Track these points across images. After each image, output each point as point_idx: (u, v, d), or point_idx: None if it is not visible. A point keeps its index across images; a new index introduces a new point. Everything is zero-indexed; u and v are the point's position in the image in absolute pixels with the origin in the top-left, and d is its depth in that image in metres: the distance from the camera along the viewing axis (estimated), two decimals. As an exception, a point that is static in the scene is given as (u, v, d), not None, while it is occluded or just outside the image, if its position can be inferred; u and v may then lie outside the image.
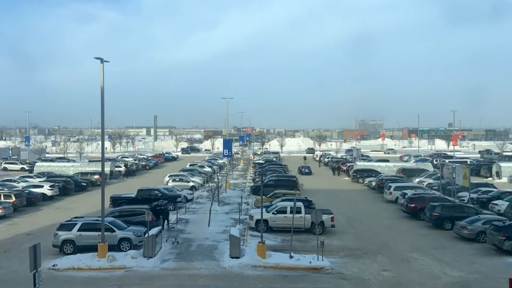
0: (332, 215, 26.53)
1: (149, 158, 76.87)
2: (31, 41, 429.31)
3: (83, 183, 44.23)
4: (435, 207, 27.91)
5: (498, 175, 52.04)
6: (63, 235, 22.08)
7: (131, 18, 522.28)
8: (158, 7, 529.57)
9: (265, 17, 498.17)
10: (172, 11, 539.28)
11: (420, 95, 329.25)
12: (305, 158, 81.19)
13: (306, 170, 60.13)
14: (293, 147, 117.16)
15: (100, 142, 32.56)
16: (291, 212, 24.66)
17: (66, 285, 17.89)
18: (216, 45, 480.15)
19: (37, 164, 58.20)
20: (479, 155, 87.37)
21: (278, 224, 26.14)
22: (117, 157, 77.32)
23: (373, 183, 44.54)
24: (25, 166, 63.62)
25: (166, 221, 26.87)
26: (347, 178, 55.05)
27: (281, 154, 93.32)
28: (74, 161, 66.87)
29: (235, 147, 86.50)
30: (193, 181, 44.39)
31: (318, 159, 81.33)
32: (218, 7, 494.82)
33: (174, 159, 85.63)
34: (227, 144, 55.85)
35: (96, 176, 47.13)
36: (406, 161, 73.77)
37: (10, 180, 42.46)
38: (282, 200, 29.10)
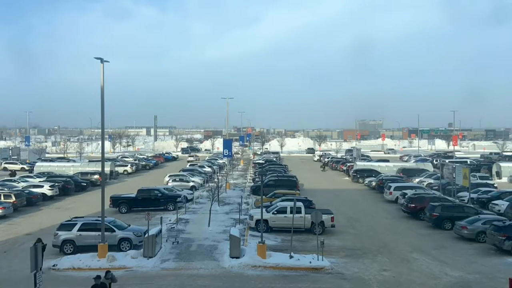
0: (332, 215, 26.54)
1: (149, 158, 76.90)
2: (41, 40, 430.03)
3: (83, 183, 44.22)
4: (435, 207, 27.91)
5: (498, 175, 52.03)
6: (63, 235, 22.10)
7: (168, 15, 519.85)
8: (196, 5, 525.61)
9: (270, 24, 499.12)
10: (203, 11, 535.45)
11: (420, 95, 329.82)
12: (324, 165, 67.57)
13: None
14: (293, 147, 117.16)
15: (100, 142, 32.55)
16: (291, 212, 24.66)
17: (66, 285, 17.89)
18: (224, 48, 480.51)
19: (37, 164, 58.21)
20: (479, 156, 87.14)
21: (278, 224, 26.14)
22: (117, 157, 77.36)
23: (373, 183, 44.53)
24: (25, 166, 63.64)
25: None
26: (347, 178, 55.05)
27: (281, 154, 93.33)
28: (74, 161, 66.89)
29: (235, 147, 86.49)
30: (193, 181, 44.38)
31: (323, 163, 70.74)
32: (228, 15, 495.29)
33: (174, 159, 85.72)
34: (227, 144, 55.85)
35: (96, 176, 47.18)
36: (406, 161, 73.79)
37: (10, 180, 42.48)
38: (282, 200, 29.09)
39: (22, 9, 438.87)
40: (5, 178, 44.18)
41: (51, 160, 67.87)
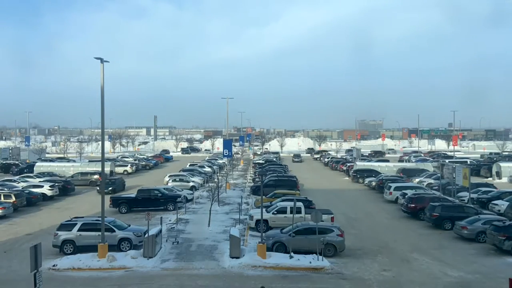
0: (332, 215, 26.53)
1: (149, 158, 76.92)
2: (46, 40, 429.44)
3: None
4: (435, 207, 27.91)
5: (498, 175, 52.02)
6: (63, 235, 22.10)
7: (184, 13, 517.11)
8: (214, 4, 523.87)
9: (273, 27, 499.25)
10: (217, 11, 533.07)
11: (420, 95, 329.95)
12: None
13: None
14: (293, 147, 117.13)
15: (100, 142, 32.53)
16: (291, 212, 24.66)
17: (66, 285, 17.88)
18: (226, 49, 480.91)
19: (37, 164, 58.18)
20: (479, 156, 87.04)
21: (278, 224, 26.10)
22: (117, 157, 77.37)
23: (373, 183, 44.53)
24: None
25: None
26: (347, 178, 55.05)
27: (281, 154, 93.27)
28: (74, 161, 66.86)
29: (235, 147, 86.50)
30: (193, 181, 44.37)
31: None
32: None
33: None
34: (227, 144, 55.83)
35: (96, 176, 47.18)
36: (406, 160, 73.76)
37: (10, 180, 42.48)
38: (282, 200, 29.11)
39: (25, 7, 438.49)
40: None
41: (51, 160, 67.85)
